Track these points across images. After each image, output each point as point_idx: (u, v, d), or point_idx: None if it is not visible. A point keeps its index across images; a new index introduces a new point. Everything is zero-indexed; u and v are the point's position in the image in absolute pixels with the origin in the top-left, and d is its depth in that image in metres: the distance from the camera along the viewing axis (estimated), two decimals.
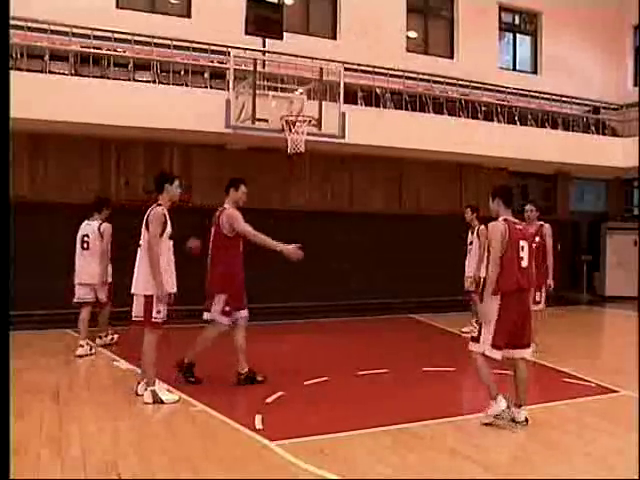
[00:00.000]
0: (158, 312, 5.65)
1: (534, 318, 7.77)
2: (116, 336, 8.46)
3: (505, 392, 5.15)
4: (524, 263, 5.12)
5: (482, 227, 8.79)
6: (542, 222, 8.08)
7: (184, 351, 6.48)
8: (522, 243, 5.13)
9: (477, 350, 5.12)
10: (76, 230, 8.39)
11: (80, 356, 7.68)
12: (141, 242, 5.73)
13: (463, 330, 9.44)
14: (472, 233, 9.67)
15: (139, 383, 5.81)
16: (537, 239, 7.75)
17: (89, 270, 8.02)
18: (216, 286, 6.25)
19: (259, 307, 11.35)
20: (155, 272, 5.55)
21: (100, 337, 8.37)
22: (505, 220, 5.16)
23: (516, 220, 5.27)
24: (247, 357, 6.31)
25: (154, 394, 5.63)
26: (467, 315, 9.56)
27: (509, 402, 5.10)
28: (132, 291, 5.74)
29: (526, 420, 5.11)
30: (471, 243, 9.65)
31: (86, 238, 8.10)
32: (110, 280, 8.26)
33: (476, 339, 5.16)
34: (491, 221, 5.33)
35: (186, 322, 7.86)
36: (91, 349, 7.89)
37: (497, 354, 5.06)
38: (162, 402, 5.61)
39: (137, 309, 5.70)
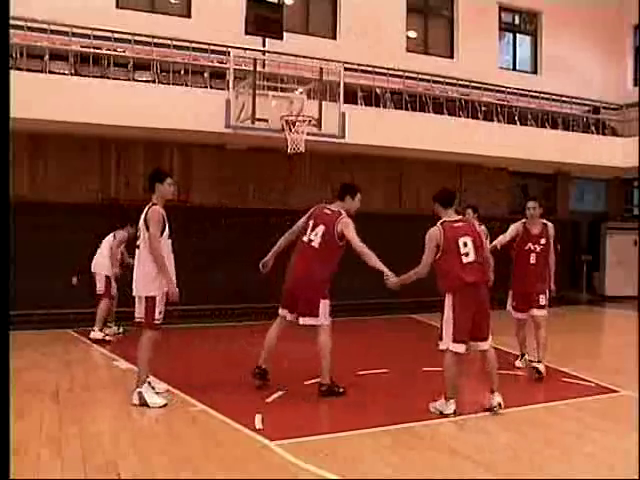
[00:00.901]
0: (160, 313, 5.58)
1: (539, 327, 7.01)
2: (108, 337, 8.61)
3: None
4: (467, 259, 5.32)
5: (482, 228, 8.71)
6: (545, 221, 7.36)
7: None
8: (464, 239, 5.35)
9: (442, 347, 5.37)
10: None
11: (92, 339, 8.49)
12: (139, 243, 5.63)
13: None
14: None
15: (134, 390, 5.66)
16: (543, 241, 7.12)
17: (94, 259, 8.79)
18: (321, 291, 5.92)
19: (259, 307, 11.41)
20: (164, 272, 5.47)
21: (93, 330, 8.55)
22: (442, 223, 5.42)
23: (457, 218, 5.50)
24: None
25: (140, 396, 5.52)
26: None
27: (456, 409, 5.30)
28: (134, 293, 5.66)
29: (499, 405, 5.28)
30: None
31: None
32: (108, 274, 8.65)
33: (440, 336, 5.39)
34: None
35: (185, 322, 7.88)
36: (105, 336, 8.56)
37: (460, 347, 5.28)
38: (147, 405, 5.47)
39: (139, 310, 5.63)
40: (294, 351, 6.79)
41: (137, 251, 5.69)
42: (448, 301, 5.30)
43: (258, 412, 5.22)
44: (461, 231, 5.39)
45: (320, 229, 5.95)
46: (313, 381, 6.12)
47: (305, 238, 6.02)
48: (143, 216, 5.63)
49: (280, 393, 5.90)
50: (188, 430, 4.97)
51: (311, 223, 6.03)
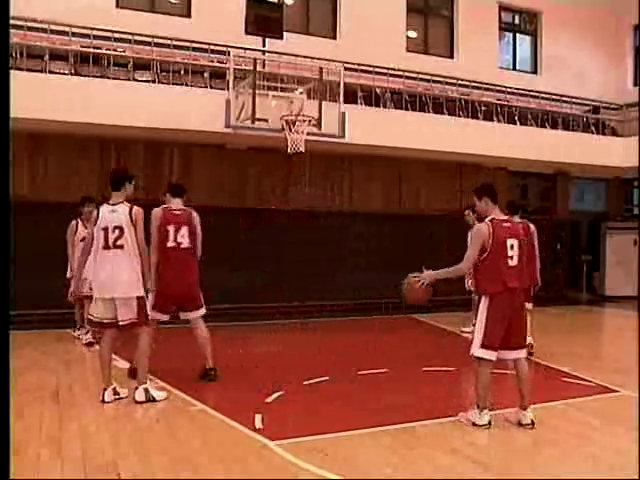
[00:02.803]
0: (149, 309, 5.76)
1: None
2: (83, 337, 8.65)
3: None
4: (512, 262, 5.03)
5: None
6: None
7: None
8: (511, 241, 5.04)
9: (471, 353, 5.09)
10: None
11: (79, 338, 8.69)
12: (121, 242, 5.52)
13: (463, 330, 9.44)
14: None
15: (136, 389, 5.65)
16: None
17: None
18: (199, 286, 6.59)
19: (259, 307, 11.42)
20: (154, 270, 5.76)
21: (73, 330, 8.89)
22: (492, 220, 5.10)
23: (504, 217, 5.20)
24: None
25: (146, 392, 5.60)
26: (468, 315, 9.55)
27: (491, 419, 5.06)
28: (119, 295, 5.50)
29: (532, 423, 5.03)
30: None
31: None
32: (69, 276, 8.64)
33: (472, 341, 5.13)
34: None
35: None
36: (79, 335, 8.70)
37: (488, 354, 4.98)
38: (154, 400, 5.58)
39: (129, 312, 5.54)
40: (293, 351, 6.79)
41: (111, 251, 5.54)
42: (484, 305, 5.01)
43: (258, 412, 5.22)
44: (508, 232, 5.08)
45: (185, 230, 6.33)
46: (313, 381, 6.12)
47: (171, 243, 6.26)
48: (125, 215, 5.56)
49: (280, 393, 5.90)
50: (188, 430, 4.97)
51: (171, 228, 6.27)
